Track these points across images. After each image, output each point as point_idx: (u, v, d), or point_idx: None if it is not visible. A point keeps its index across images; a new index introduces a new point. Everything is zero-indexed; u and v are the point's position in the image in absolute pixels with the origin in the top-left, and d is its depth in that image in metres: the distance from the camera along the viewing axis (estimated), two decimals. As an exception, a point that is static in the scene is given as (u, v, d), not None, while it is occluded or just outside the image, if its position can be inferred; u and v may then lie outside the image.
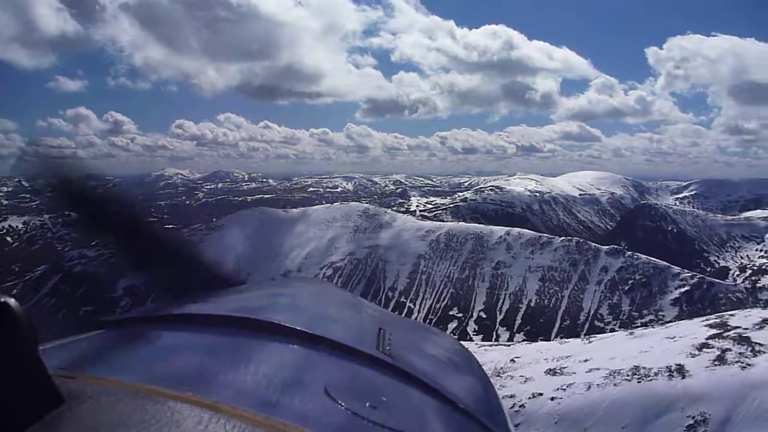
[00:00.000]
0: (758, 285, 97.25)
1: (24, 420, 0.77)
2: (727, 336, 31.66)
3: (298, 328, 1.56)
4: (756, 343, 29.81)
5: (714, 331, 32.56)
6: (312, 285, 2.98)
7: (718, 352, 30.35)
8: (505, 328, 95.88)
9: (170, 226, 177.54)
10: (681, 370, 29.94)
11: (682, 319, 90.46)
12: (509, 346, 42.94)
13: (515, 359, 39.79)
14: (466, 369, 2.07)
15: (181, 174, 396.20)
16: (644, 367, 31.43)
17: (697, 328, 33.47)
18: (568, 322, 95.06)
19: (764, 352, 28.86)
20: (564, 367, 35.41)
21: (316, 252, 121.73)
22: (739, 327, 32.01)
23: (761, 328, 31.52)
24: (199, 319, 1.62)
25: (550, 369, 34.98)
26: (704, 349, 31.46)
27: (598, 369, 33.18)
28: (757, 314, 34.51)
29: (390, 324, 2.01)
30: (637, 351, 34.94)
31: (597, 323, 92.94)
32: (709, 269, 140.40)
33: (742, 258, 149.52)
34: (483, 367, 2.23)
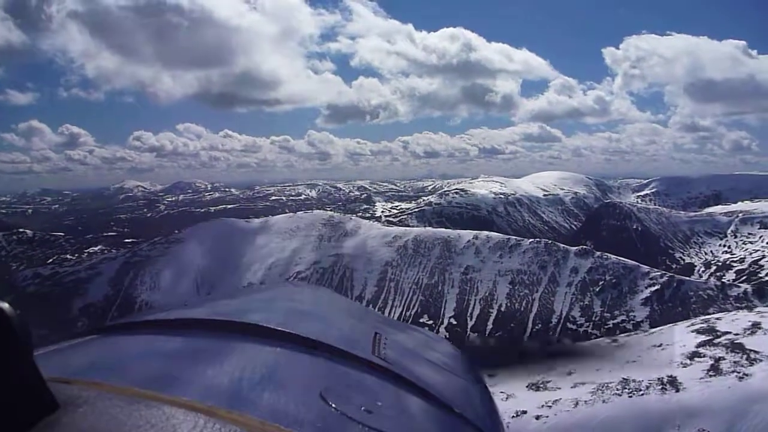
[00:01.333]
0: (726, 282, 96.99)
1: (19, 425, 0.76)
2: (719, 343, 30.03)
3: (294, 333, 1.56)
4: (750, 350, 28.19)
5: (703, 338, 30.96)
6: (307, 289, 2.81)
7: (711, 362, 28.69)
8: (476, 334, 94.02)
9: (132, 240, 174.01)
10: (674, 383, 28.16)
11: (654, 319, 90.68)
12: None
13: (493, 373, 37.76)
14: (461, 373, 2.06)
15: (142, 186, 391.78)
16: (634, 380, 29.66)
17: (684, 335, 31.83)
18: (540, 325, 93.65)
19: (760, 360, 27.22)
20: (547, 381, 33.45)
21: (280, 263, 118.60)
22: (729, 332, 30.42)
23: (752, 333, 29.96)
24: (194, 324, 1.62)
25: (532, 383, 32.97)
26: (696, 358, 29.81)
27: (583, 383, 31.29)
28: (744, 318, 33.04)
29: (386, 328, 2.02)
30: (623, 361, 33.27)
31: (569, 326, 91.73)
32: (674, 266, 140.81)
33: (706, 254, 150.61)
34: None
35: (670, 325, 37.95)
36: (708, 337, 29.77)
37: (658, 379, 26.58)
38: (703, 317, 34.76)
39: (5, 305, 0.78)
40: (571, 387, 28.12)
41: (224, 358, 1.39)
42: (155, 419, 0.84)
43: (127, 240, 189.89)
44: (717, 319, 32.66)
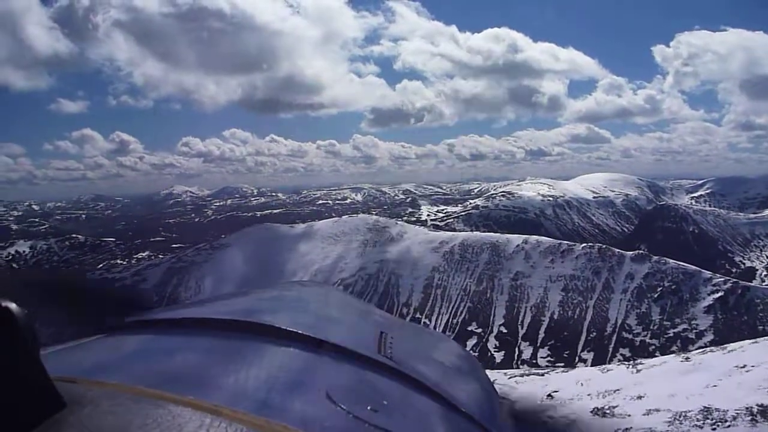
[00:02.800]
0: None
1: (26, 424, 0.77)
2: (815, 366, 26.93)
3: (300, 332, 1.58)
4: None
5: (795, 359, 27.77)
6: (313, 288, 2.86)
7: None
8: (527, 343, 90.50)
9: (179, 245, 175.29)
10: (765, 413, 25.01)
11: (717, 328, 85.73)
12: (542, 375, 37.96)
13: (552, 394, 34.83)
14: (467, 372, 2.09)
15: (190, 191, 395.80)
16: (717, 409, 26.34)
17: (769, 355, 28.63)
18: (594, 334, 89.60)
19: None
20: (614, 406, 30.32)
21: (324, 268, 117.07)
22: (825, 353, 27.17)
23: None
24: (200, 323, 1.65)
25: (597, 408, 29.89)
26: (789, 384, 26.73)
27: (657, 410, 28.08)
28: (841, 336, 29.69)
29: (392, 327, 2.03)
30: (702, 385, 29.95)
31: (625, 335, 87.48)
32: (734, 270, 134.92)
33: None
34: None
35: (751, 341, 34.01)
36: (801, 359, 26.09)
37: (746, 408, 23.37)
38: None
39: (12, 304, 0.78)
40: (643, 414, 25.11)
41: (230, 357, 1.42)
42: (161, 418, 0.85)
43: (174, 245, 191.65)
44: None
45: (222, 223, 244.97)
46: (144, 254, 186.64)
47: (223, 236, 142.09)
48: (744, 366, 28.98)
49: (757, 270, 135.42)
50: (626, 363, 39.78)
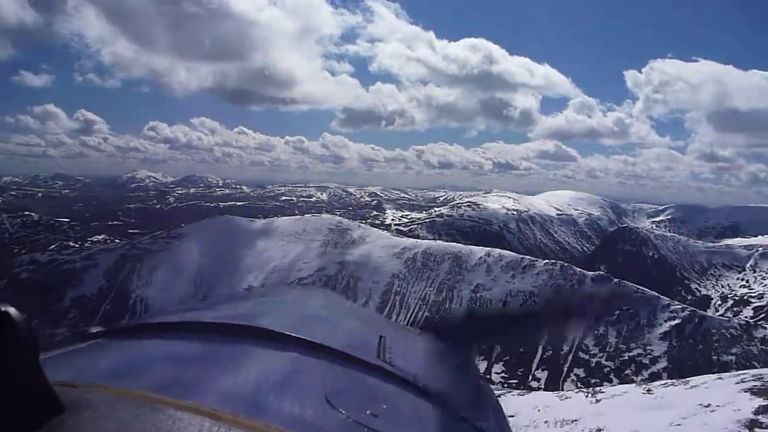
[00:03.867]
0: (751, 321, 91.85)
1: (25, 428, 0.77)
2: (782, 411, 25.92)
3: (299, 336, 1.58)
4: (824, 424, 24.05)
5: (761, 401, 26.61)
6: (312, 293, 2.98)
7: None
8: (482, 358, 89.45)
9: (136, 231, 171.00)
10: (732, 459, 24.03)
11: (672, 355, 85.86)
12: (498, 396, 36.65)
13: (509, 419, 33.36)
14: (467, 377, 2.14)
15: (154, 177, 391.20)
16: (681, 451, 25.43)
17: (735, 394, 27.41)
18: (550, 352, 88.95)
19: (839, 439, 23.05)
20: (572, 440, 29.25)
21: (282, 267, 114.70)
22: (792, 397, 26.19)
23: (822, 400, 25.73)
24: (199, 328, 1.64)
25: (553, 439, 28.73)
26: (756, 429, 25.52)
27: (619, 448, 27.10)
28: (806, 378, 28.88)
29: (391, 332, 2.06)
30: (666, 423, 28.87)
31: (581, 354, 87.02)
32: (690, 297, 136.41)
33: (723, 287, 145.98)
34: None
35: (715, 377, 33.15)
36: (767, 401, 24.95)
37: (712, 452, 22.17)
38: (754, 372, 30.07)
39: (11, 309, 0.79)
40: (604, 451, 23.83)
41: (230, 362, 1.42)
42: (161, 423, 0.85)
43: (132, 230, 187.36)
44: (773, 377, 27.76)
45: (183, 212, 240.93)
46: (99, 237, 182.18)
47: (181, 225, 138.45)
48: (708, 405, 27.69)
49: (712, 299, 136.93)
50: (585, 390, 38.52)
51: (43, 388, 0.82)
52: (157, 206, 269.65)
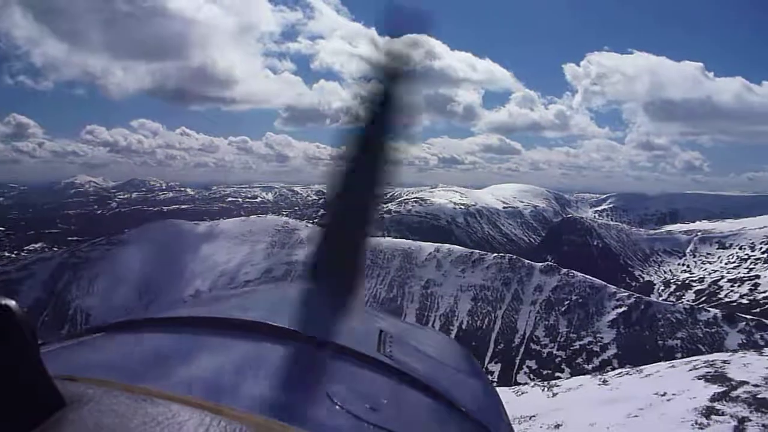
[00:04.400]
0: (695, 306, 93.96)
1: (26, 423, 0.78)
2: (737, 397, 25.74)
3: (299, 331, 1.60)
4: (779, 409, 24.08)
5: (716, 388, 26.47)
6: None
7: (734, 422, 24.33)
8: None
9: (76, 238, 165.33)
10: (692, 449, 23.85)
11: (621, 342, 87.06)
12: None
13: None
14: (467, 371, 2.04)
15: (94, 182, 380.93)
16: (641, 443, 25.16)
17: (689, 381, 27.33)
18: (502, 345, 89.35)
19: (795, 423, 23.07)
20: (531, 436, 28.78)
21: (229, 270, 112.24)
22: (746, 382, 26.05)
23: (775, 384, 25.81)
24: (200, 322, 1.66)
25: (512, 437, 28.13)
26: (714, 417, 25.32)
27: (578, 443, 26.75)
28: (757, 362, 28.86)
29: (391, 326, 2.03)
30: (623, 415, 28.61)
31: (533, 346, 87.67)
32: (634, 284, 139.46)
33: (665, 272, 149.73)
34: None
35: (667, 364, 33.18)
36: (722, 388, 24.56)
37: (671, 443, 21.91)
38: (705, 359, 30.04)
39: (11, 302, 0.77)
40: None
41: (230, 356, 1.44)
42: (161, 416, 0.86)
43: (71, 238, 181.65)
44: (724, 362, 27.74)
45: (126, 217, 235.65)
46: (36, 246, 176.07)
47: (123, 231, 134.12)
48: (665, 394, 27.39)
49: (655, 284, 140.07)
50: (540, 384, 38.17)
51: (43, 382, 0.82)
52: (98, 212, 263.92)
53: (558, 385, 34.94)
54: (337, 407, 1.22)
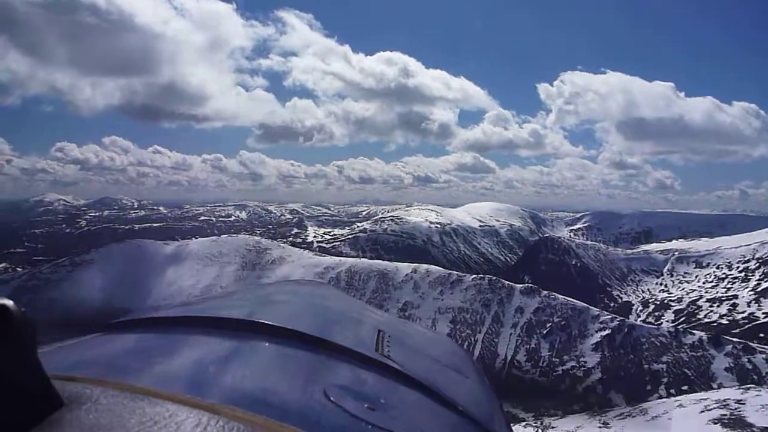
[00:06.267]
0: (681, 328, 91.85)
1: (24, 423, 0.77)
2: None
3: (297, 330, 1.60)
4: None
5: (735, 434, 24.11)
6: (310, 287, 2.88)
7: None
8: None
9: (42, 258, 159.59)
10: None
11: (605, 366, 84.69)
12: None
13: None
14: (464, 371, 2.13)
15: (64, 200, 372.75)
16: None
17: (704, 427, 24.66)
18: (483, 370, 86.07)
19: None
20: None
21: (198, 293, 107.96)
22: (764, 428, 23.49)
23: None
24: (198, 322, 1.66)
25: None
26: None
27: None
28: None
29: (389, 326, 2.08)
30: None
31: (515, 371, 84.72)
32: (612, 304, 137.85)
33: (643, 292, 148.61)
34: None
35: (676, 403, 30.52)
36: (740, 433, 21.94)
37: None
38: (716, 397, 27.45)
39: (9, 302, 0.79)
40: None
41: (228, 355, 1.43)
42: (159, 416, 0.85)
43: (36, 258, 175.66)
44: (739, 402, 25.11)
45: (95, 236, 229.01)
46: (0, 267, 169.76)
47: (89, 251, 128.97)
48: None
49: (633, 305, 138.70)
50: (534, 425, 34.86)
51: (42, 382, 0.81)
52: (67, 230, 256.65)
53: (553, 427, 31.84)
54: (336, 407, 1.21)
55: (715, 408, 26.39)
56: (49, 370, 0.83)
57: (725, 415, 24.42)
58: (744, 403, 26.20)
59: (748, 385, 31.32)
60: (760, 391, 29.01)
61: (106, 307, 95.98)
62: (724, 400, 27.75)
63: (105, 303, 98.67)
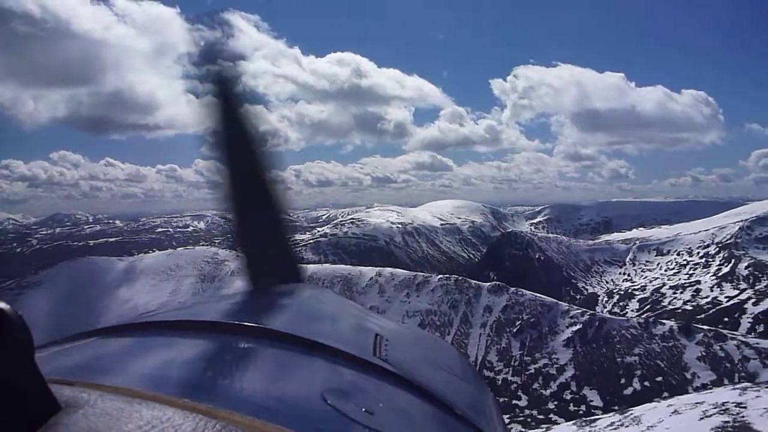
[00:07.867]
0: (650, 319, 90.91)
1: (21, 427, 0.77)
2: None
3: (294, 334, 1.60)
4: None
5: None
6: (308, 291, 2.81)
7: None
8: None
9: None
10: None
11: (578, 361, 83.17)
12: None
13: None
14: (462, 375, 2.13)
15: (13, 219, 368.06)
16: None
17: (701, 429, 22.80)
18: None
19: None
20: None
21: (153, 308, 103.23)
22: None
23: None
24: (195, 326, 1.66)
25: None
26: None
27: None
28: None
29: (387, 330, 2.09)
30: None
31: (487, 372, 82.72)
32: (578, 296, 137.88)
33: (608, 283, 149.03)
34: None
35: (652, 405, 28.64)
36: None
37: None
38: (714, 400, 25.44)
39: (6, 306, 0.78)
40: None
41: (225, 359, 1.44)
42: (156, 420, 0.85)
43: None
44: (739, 405, 23.04)
45: (47, 254, 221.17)
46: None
47: (36, 272, 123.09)
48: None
49: (599, 296, 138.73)
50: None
51: (38, 386, 0.82)
52: (18, 250, 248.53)
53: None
54: (333, 410, 1.22)
55: (714, 414, 24.21)
56: (46, 374, 0.83)
57: (728, 422, 22.20)
58: (745, 407, 24.05)
59: (745, 384, 29.43)
60: (758, 391, 27.03)
61: (57, 330, 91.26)
62: (723, 404, 25.61)
63: (56, 325, 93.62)
